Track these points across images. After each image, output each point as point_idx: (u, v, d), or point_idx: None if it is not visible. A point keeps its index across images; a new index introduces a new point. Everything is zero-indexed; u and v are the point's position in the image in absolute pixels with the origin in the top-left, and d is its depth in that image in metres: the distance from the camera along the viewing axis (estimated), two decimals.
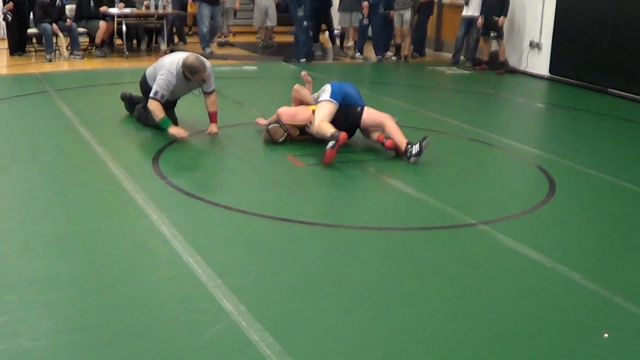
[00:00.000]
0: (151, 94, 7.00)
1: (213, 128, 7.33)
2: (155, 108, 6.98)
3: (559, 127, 9.11)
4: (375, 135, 6.86)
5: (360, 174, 6.36)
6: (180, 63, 6.94)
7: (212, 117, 7.36)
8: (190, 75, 7.00)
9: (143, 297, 3.90)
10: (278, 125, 6.99)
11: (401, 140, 6.58)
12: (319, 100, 6.84)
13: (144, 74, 7.46)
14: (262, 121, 7.44)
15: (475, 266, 4.44)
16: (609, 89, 10.86)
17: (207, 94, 7.32)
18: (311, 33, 13.28)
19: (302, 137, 7.06)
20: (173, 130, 6.96)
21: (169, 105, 7.32)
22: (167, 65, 7.03)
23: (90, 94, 9.60)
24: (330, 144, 6.30)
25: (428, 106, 9.61)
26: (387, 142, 6.67)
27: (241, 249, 4.61)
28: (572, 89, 11.36)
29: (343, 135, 6.33)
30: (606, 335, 3.62)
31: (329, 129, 6.48)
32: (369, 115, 6.83)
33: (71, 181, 5.87)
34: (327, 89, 6.87)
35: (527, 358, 3.41)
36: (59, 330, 3.50)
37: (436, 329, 3.64)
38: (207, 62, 7.19)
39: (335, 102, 6.77)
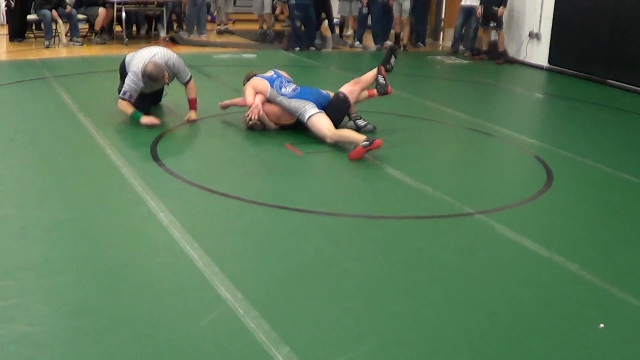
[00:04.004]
0: (120, 94, 7.06)
1: (191, 115, 7.37)
2: (122, 107, 7.06)
3: (558, 117, 9.10)
4: (364, 96, 7.26)
5: (357, 162, 6.34)
6: (141, 68, 6.95)
7: (191, 104, 7.40)
8: (151, 82, 7.06)
9: (140, 284, 3.91)
10: (259, 122, 7.00)
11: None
12: (309, 116, 6.79)
13: (124, 59, 7.47)
14: (226, 102, 7.57)
15: (472, 256, 4.46)
16: (608, 80, 10.84)
17: (184, 84, 7.37)
18: (299, 24, 13.20)
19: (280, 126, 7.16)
20: (144, 120, 6.98)
21: (147, 97, 7.41)
22: (134, 66, 7.02)
23: (89, 81, 9.60)
24: (365, 142, 6.24)
25: (427, 95, 9.60)
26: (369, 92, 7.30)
27: (238, 236, 4.62)
28: (571, 80, 11.35)
29: (378, 141, 6.26)
30: (602, 325, 3.63)
31: (356, 135, 6.51)
32: (350, 92, 7.12)
33: (69, 167, 5.87)
34: (310, 106, 6.82)
35: (522, 347, 3.43)
36: (56, 316, 3.51)
37: (432, 318, 3.66)
38: (172, 60, 7.17)
39: (321, 110, 6.85)
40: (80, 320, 3.47)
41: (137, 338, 3.34)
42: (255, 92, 7.03)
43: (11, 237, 4.43)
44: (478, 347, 3.40)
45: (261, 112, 6.92)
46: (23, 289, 3.75)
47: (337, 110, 6.92)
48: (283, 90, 7.00)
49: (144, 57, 7.07)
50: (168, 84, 7.27)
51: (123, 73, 7.32)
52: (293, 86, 7.09)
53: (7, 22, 13.38)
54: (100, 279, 3.91)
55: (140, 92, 7.07)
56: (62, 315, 3.53)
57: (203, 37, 14.33)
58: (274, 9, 15.78)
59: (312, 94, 6.98)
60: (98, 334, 3.36)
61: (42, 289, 3.76)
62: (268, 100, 7.03)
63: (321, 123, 6.75)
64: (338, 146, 6.58)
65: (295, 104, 6.89)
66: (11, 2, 12.54)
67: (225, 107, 7.55)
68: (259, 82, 7.09)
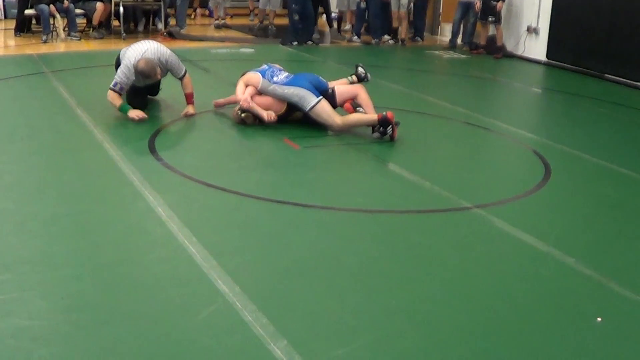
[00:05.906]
0: (111, 85, 7.00)
1: (189, 109, 7.35)
2: (111, 98, 6.99)
3: (555, 111, 9.11)
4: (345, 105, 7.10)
5: (355, 156, 6.36)
6: (134, 63, 6.93)
7: (188, 99, 7.37)
8: (143, 79, 7.04)
9: (138, 278, 3.92)
10: (250, 114, 7.00)
11: (371, 113, 6.83)
12: (311, 106, 6.78)
13: (119, 54, 7.46)
14: (221, 101, 7.61)
15: (469, 250, 4.46)
16: (605, 74, 10.85)
17: (179, 79, 7.36)
18: (297, 17, 13.15)
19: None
20: (131, 113, 6.93)
21: (141, 90, 7.41)
22: (127, 59, 7.00)
23: (87, 75, 9.58)
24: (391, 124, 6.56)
25: (425, 90, 9.60)
26: (345, 106, 7.03)
27: (236, 230, 4.63)
28: (568, 74, 11.36)
29: (390, 113, 6.57)
30: (599, 319, 3.64)
31: (368, 116, 6.74)
32: (341, 93, 7.05)
33: (68, 162, 5.87)
34: (308, 95, 6.79)
35: (520, 342, 3.43)
36: (55, 310, 3.52)
37: (429, 312, 3.67)
38: (165, 56, 7.13)
39: (321, 96, 6.84)
40: (79, 315, 3.48)
41: (135, 332, 3.35)
42: (246, 86, 7.06)
43: (10, 232, 4.43)
44: (475, 341, 3.41)
45: (250, 103, 6.92)
46: (21, 283, 3.76)
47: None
48: (275, 78, 7.01)
49: (138, 50, 7.05)
50: (160, 80, 7.24)
51: (118, 66, 7.31)
52: (285, 73, 7.13)
53: (5, 16, 13.36)
54: (98, 273, 3.91)
55: (133, 85, 7.06)
56: (60, 309, 3.53)
57: (183, 31, 14.29)
58: (283, 4, 15.62)
59: (306, 78, 6.99)
60: (96, 328, 3.36)
61: (41, 283, 3.76)
62: (259, 93, 7.03)
63: (326, 112, 6.78)
64: (336, 140, 6.59)
65: (290, 91, 6.88)
66: None
67: (220, 106, 7.56)
68: (252, 75, 7.12)
